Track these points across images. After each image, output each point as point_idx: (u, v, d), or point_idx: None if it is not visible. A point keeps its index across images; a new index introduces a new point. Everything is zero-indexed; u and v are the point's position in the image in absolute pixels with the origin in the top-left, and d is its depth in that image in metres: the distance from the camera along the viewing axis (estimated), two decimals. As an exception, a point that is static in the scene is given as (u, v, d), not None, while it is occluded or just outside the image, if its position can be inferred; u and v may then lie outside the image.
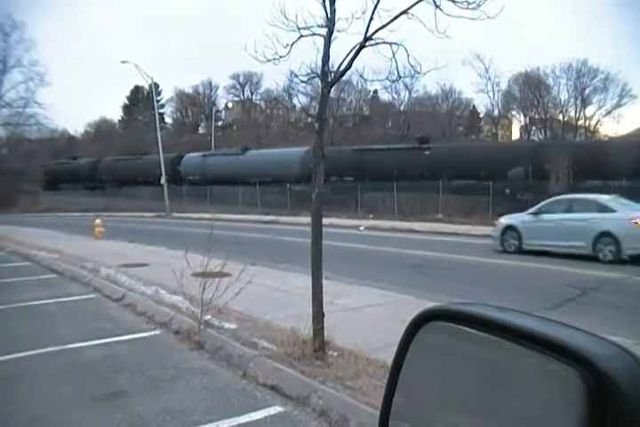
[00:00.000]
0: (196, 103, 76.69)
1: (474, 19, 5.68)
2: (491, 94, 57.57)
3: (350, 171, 32.58)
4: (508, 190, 26.59)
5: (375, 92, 64.34)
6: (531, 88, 55.08)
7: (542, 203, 16.46)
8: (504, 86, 57.00)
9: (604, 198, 15.53)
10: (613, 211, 14.50)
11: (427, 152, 31.41)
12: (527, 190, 26.13)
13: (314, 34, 5.92)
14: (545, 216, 15.69)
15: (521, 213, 16.72)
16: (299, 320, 6.20)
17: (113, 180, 49.28)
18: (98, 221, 20.75)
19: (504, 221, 16.85)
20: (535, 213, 16.06)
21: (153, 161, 44.26)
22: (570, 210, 15.35)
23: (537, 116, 57.07)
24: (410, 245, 17.62)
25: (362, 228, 25.07)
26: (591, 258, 13.94)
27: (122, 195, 46.07)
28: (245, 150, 40.82)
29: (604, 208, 14.70)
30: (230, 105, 72.44)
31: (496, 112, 58.99)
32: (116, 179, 49.07)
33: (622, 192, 22.68)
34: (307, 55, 6.13)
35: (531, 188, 26.24)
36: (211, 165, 41.75)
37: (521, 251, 15.64)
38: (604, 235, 14.08)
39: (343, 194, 31.85)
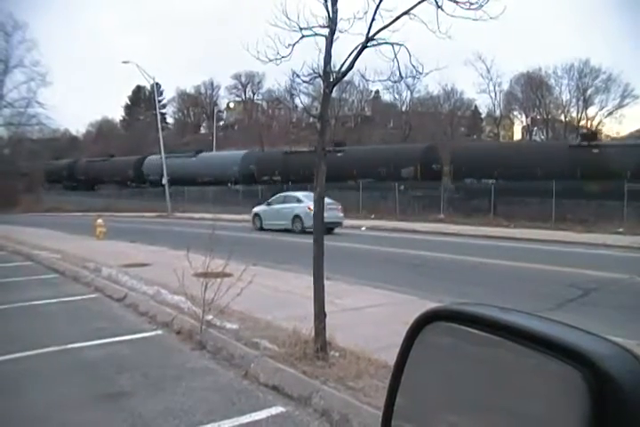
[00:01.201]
0: (197, 103, 76.86)
1: (476, 19, 5.68)
2: (492, 95, 57.76)
3: (278, 171, 37.51)
4: (402, 187, 31.07)
5: (377, 92, 64.48)
6: (532, 88, 55.12)
7: (272, 198, 25.55)
8: (506, 87, 57.22)
9: (300, 194, 24.48)
10: (302, 202, 22.99)
11: (339, 154, 35.21)
12: (419, 188, 30.80)
13: (316, 34, 5.92)
14: (272, 206, 24.69)
15: (262, 204, 25.53)
16: (300, 320, 6.21)
17: (87, 180, 52.40)
18: (99, 220, 20.75)
19: (254, 210, 25.82)
20: (267, 204, 25.11)
21: (122, 163, 49.34)
22: (284, 202, 24.44)
23: (539, 117, 57.14)
24: (413, 245, 17.65)
25: (363, 228, 25.14)
26: (290, 230, 22.96)
27: (123, 195, 46.42)
28: (198, 153, 44.41)
29: (299, 200, 23.63)
30: (232, 105, 72.53)
31: (498, 112, 59.05)
32: (89, 179, 52.24)
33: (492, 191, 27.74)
34: (308, 55, 6.14)
35: (422, 186, 30.81)
36: (168, 166, 43.73)
37: (262, 229, 24.46)
38: (296, 216, 23.14)
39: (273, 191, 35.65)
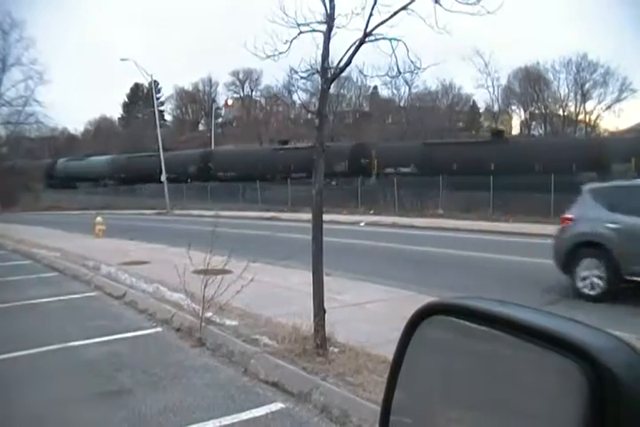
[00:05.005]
0: (195, 100, 76.66)
1: (473, 14, 5.67)
2: (491, 89, 57.58)
3: (125, 172, 47.28)
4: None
5: (375, 87, 64.26)
6: (530, 83, 55.03)
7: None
8: (504, 81, 57.03)
9: None
10: None
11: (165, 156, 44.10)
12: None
13: (313, 30, 5.92)
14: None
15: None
16: (300, 317, 6.21)
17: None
18: (98, 218, 20.71)
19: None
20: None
21: (43, 164, 56.65)
22: None
23: (537, 111, 57.07)
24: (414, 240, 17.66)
25: (362, 224, 25.13)
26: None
27: (122, 192, 46.61)
28: (88, 156, 52.97)
29: None
30: (230, 102, 72.36)
31: (496, 107, 58.97)
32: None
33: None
34: (306, 51, 6.13)
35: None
36: (69, 167, 54.00)
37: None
38: None
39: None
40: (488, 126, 60.71)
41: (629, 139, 32.61)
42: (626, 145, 27.70)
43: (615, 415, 0.72)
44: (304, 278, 7.29)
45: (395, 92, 60.87)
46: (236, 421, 4.51)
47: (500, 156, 28.55)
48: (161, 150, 39.81)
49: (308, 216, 6.21)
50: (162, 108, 71.53)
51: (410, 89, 58.79)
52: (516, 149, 29.44)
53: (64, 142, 70.09)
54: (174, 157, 42.91)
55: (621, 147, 27.40)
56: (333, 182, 32.84)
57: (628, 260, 8.60)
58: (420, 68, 6.46)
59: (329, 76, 5.87)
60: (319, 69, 5.88)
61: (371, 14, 5.54)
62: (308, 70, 6.27)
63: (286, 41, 6.06)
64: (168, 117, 78.73)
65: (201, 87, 75.66)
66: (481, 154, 29.34)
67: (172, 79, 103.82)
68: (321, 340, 5.62)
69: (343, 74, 6.41)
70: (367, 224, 25.06)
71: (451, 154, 30.67)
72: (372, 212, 30.46)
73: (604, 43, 76.41)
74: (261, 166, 38.14)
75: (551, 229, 20.49)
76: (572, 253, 9.42)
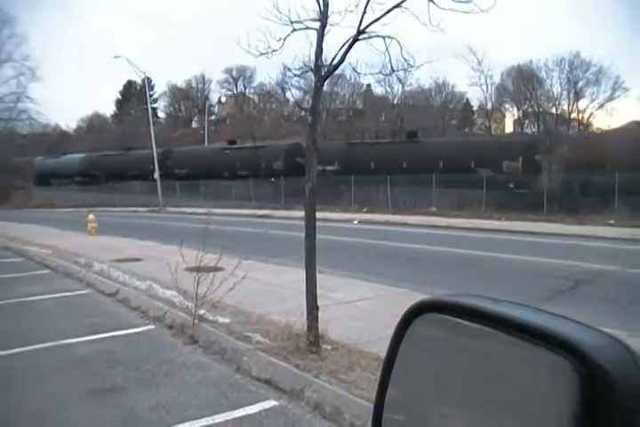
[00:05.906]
0: (189, 97, 76.53)
1: (467, 12, 5.68)
2: (484, 87, 57.61)
3: (101, 169, 49.80)
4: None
5: (368, 85, 64.14)
6: (524, 81, 55.09)
7: None
8: (497, 79, 57.08)
9: None
10: None
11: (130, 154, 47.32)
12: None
13: (307, 28, 5.92)
14: None
15: None
16: (292, 314, 6.22)
17: None
18: (91, 216, 20.64)
19: None
20: None
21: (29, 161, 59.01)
22: None
23: (530, 110, 57.12)
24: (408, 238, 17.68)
25: (355, 222, 25.16)
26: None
27: (115, 190, 46.55)
28: (63, 154, 56.28)
29: None
30: (223, 99, 72.24)
31: (489, 105, 59.04)
32: None
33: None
34: (300, 49, 6.13)
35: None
36: (45, 164, 56.71)
37: None
38: None
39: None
40: (481, 124, 60.97)
41: (519, 139, 37.89)
42: (517, 145, 31.47)
43: (606, 412, 0.73)
44: (296, 276, 7.29)
45: (388, 89, 60.83)
46: (229, 418, 4.50)
47: (411, 155, 31.43)
48: (154, 148, 39.74)
49: (301, 214, 6.22)
50: (155, 105, 71.47)
51: (403, 87, 58.89)
52: (425, 149, 32.19)
53: (56, 139, 69.81)
54: (140, 156, 44.75)
55: (513, 146, 31.03)
56: (272, 179, 36.41)
57: None
58: (413, 66, 6.47)
59: (322, 73, 5.87)
60: (313, 67, 5.87)
61: (364, 12, 5.55)
62: (301, 68, 6.28)
63: (280, 38, 6.05)
64: (161, 114, 78.74)
65: (194, 84, 75.63)
66: (395, 153, 32.18)
67: (165, 76, 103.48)
68: (314, 337, 5.62)
69: (337, 71, 6.41)
70: (360, 222, 25.09)
71: (370, 153, 33.55)
72: (365, 210, 30.50)
73: (599, 41, 76.79)
74: (210, 164, 41.15)
75: (542, 226, 20.74)
76: None
